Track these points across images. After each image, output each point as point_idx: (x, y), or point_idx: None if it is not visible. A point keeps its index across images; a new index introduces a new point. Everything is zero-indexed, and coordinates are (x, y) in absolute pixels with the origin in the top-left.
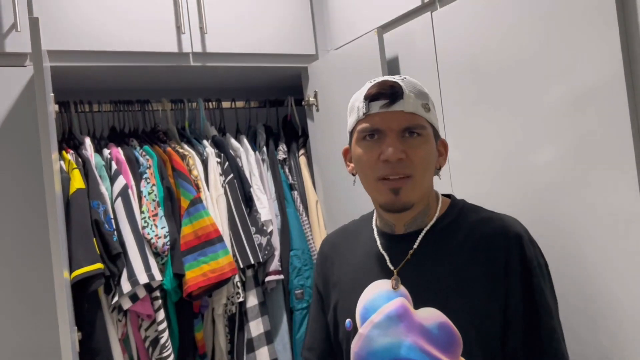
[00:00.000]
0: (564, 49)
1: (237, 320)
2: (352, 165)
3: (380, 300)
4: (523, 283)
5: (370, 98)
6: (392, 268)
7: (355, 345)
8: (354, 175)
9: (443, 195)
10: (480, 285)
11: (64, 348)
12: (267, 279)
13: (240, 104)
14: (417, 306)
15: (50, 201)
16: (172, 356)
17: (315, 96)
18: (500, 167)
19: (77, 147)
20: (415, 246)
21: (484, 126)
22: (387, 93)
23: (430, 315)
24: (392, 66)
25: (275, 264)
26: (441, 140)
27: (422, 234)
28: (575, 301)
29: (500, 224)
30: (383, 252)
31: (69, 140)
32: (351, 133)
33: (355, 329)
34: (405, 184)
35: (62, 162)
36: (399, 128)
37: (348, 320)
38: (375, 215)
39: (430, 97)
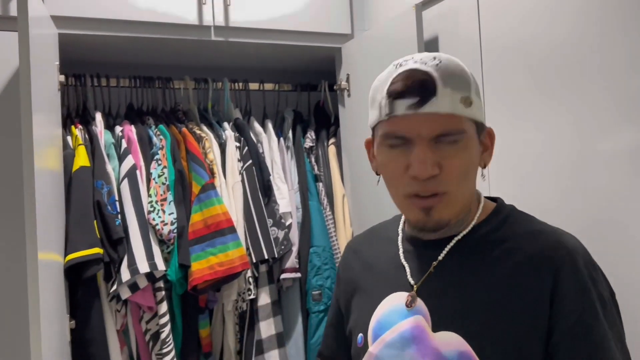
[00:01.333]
0: (629, 39)
1: (248, 318)
2: (376, 162)
3: (395, 317)
4: (574, 317)
5: (394, 95)
6: (411, 282)
7: None
8: (377, 174)
9: (487, 198)
10: (516, 313)
11: (33, 340)
12: (283, 276)
13: (269, 86)
14: (435, 328)
15: (27, 175)
16: (172, 352)
17: (348, 80)
18: (548, 167)
19: (89, 123)
20: (440, 257)
21: (531, 119)
22: (415, 90)
23: (450, 341)
24: (430, 47)
25: (292, 261)
26: (487, 131)
27: (452, 243)
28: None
29: (552, 240)
30: (404, 261)
31: (82, 116)
32: (373, 129)
33: (366, 346)
34: (439, 202)
35: (69, 138)
36: (430, 135)
37: (360, 336)
38: (404, 216)
39: (472, 80)
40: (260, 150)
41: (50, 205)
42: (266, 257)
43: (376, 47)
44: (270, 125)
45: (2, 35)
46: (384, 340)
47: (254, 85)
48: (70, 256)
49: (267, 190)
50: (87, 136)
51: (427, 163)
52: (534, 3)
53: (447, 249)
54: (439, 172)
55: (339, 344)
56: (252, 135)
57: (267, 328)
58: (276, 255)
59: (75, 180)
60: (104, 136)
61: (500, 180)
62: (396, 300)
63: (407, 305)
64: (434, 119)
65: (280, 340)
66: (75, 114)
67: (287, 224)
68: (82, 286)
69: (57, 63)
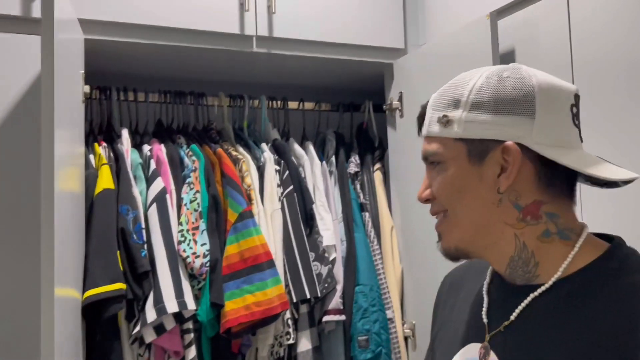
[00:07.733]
0: None
1: None
2: None
3: None
4: None
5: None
6: (486, 332)
7: None
8: None
9: (597, 235)
10: None
11: None
12: (325, 318)
13: (309, 105)
14: None
15: (46, 198)
16: None
17: (400, 99)
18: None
19: (114, 141)
20: (519, 309)
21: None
22: (419, 114)
23: None
24: (506, 61)
25: (336, 301)
26: (502, 147)
27: (536, 293)
28: None
29: None
30: (485, 310)
31: (107, 132)
32: None
33: None
34: (441, 225)
35: (91, 156)
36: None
37: None
38: None
39: (466, 93)
40: (302, 175)
41: (70, 233)
42: (308, 296)
43: (439, 61)
44: (311, 148)
45: (21, 39)
46: None
47: (293, 104)
48: (90, 292)
49: (309, 220)
50: (112, 155)
51: (422, 186)
52: (627, 18)
53: (528, 300)
54: (431, 195)
55: None
56: (293, 158)
57: None
58: (319, 294)
59: (98, 205)
60: (131, 155)
61: (590, 202)
62: (470, 353)
63: (480, 359)
64: (425, 141)
65: None
66: (98, 130)
67: (331, 258)
68: (100, 326)
69: (83, 72)
